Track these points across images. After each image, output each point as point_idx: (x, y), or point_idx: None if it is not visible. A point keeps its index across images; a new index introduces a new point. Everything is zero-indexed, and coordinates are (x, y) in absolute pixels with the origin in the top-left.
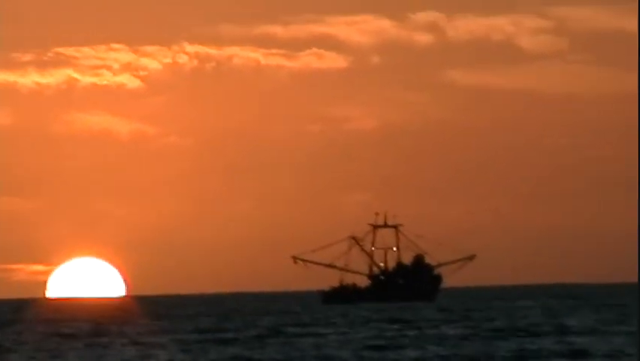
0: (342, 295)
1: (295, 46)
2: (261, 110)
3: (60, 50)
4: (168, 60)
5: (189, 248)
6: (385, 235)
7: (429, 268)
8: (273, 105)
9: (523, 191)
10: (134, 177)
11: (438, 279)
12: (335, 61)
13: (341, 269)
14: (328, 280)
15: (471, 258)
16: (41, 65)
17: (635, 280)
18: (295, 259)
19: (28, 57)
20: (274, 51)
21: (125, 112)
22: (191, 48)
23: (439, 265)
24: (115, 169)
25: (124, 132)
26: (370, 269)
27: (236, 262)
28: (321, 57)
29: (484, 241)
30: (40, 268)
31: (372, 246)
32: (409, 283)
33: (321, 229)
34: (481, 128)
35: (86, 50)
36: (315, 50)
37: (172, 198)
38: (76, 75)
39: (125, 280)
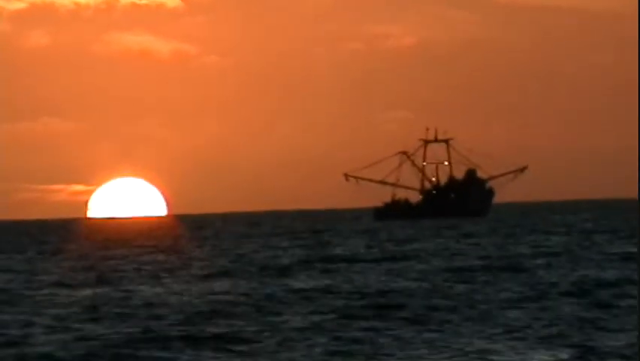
0: (394, 210)
1: None
2: (301, 29)
3: None
4: None
5: (232, 168)
6: (436, 150)
7: (481, 182)
8: (313, 24)
9: (568, 108)
10: (174, 97)
11: (490, 193)
12: None
13: (393, 185)
14: (380, 197)
15: (522, 170)
16: None
17: None
18: (347, 176)
19: None
20: None
21: (165, 32)
22: None
23: (491, 178)
24: (155, 89)
25: (164, 52)
26: (422, 184)
27: (282, 180)
28: None
29: (532, 156)
30: (80, 188)
31: (424, 161)
32: (461, 197)
33: (367, 147)
34: (524, 45)
35: None
36: None
37: (213, 118)
38: None
39: (166, 200)
